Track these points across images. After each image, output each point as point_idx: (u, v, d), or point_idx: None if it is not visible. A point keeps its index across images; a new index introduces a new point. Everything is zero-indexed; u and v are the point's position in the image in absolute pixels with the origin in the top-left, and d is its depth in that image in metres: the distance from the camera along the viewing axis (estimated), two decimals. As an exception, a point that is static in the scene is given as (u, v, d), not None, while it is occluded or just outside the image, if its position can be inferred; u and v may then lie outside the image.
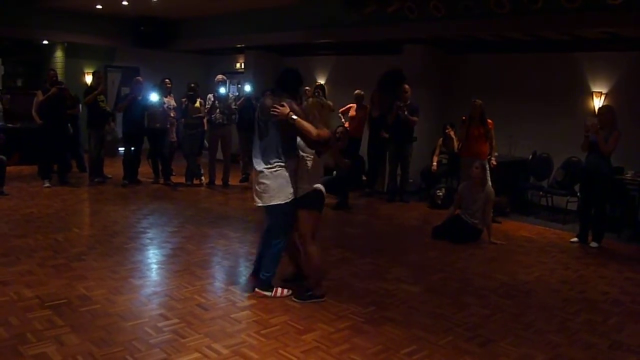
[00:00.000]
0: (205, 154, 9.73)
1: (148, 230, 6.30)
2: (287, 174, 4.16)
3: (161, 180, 9.31)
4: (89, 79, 11.91)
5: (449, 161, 8.72)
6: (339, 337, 3.70)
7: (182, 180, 9.37)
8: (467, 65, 9.70)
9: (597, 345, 3.83)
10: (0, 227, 6.11)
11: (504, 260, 5.87)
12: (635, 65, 7.86)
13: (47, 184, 8.54)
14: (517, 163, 8.52)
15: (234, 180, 9.55)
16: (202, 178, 9.50)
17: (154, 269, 5.05)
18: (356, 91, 9.52)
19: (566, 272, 5.53)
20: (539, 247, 6.44)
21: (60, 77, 10.40)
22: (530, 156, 8.42)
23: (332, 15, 9.22)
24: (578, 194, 7.24)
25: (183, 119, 9.19)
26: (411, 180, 9.02)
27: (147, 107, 8.91)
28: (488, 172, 6.69)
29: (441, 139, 8.84)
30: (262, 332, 3.71)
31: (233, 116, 9.22)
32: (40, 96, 8.70)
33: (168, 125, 9.25)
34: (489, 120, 7.58)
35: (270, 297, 4.30)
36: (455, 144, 8.45)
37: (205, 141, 9.66)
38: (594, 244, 6.53)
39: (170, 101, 9.25)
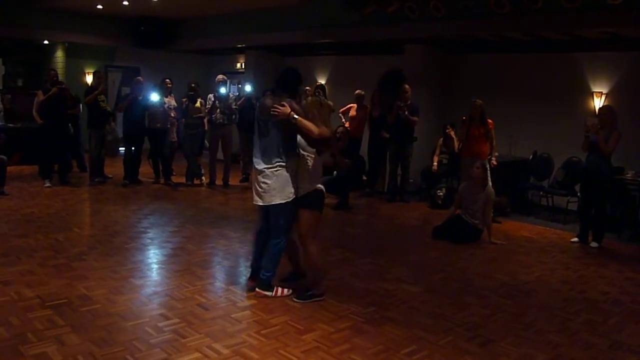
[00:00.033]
0: (206, 154, 9.73)
1: (149, 230, 6.31)
2: (288, 173, 4.17)
3: (162, 180, 9.31)
4: (89, 78, 11.92)
5: (450, 161, 8.72)
6: (339, 337, 3.70)
7: (183, 180, 9.37)
8: (467, 65, 9.70)
9: (598, 345, 3.83)
10: (1, 227, 6.11)
11: (504, 260, 5.87)
12: (636, 66, 7.85)
13: (47, 184, 8.54)
14: (517, 163, 8.52)
15: (234, 180, 9.56)
16: (203, 178, 9.51)
17: (154, 269, 5.05)
18: (356, 91, 9.52)
19: (566, 272, 5.53)
20: (540, 247, 6.44)
21: (60, 77, 10.41)
22: (531, 156, 8.42)
23: (332, 15, 9.22)
24: (578, 194, 7.24)
25: (183, 119, 9.20)
26: (411, 180, 9.02)
27: (148, 107, 8.91)
28: (488, 172, 6.70)
29: (441, 139, 8.84)
30: (263, 332, 3.72)
31: (233, 116, 9.22)
32: (40, 96, 8.70)
33: (168, 125, 9.26)
34: (489, 120, 7.59)
35: (271, 297, 4.31)
36: (456, 144, 8.45)
37: (206, 141, 9.66)
38: (594, 244, 6.53)
39: (171, 101, 9.25)
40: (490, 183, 6.61)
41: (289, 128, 4.12)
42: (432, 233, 6.60)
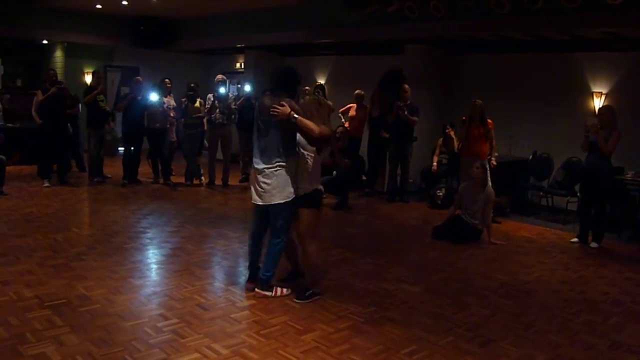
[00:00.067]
0: (205, 154, 9.72)
1: (148, 230, 6.30)
2: (288, 173, 4.16)
3: (161, 180, 9.30)
4: (88, 78, 11.92)
5: (449, 161, 8.72)
6: (339, 337, 3.69)
7: (182, 180, 9.36)
8: (467, 65, 9.70)
9: (598, 345, 3.82)
10: (0, 227, 6.10)
11: (504, 260, 5.87)
12: (636, 66, 7.85)
13: (46, 184, 8.53)
14: (517, 163, 8.52)
15: (233, 180, 9.55)
16: (202, 178, 9.49)
17: (153, 269, 5.04)
18: (356, 91, 9.51)
19: (566, 273, 5.52)
20: (539, 248, 6.44)
21: (59, 77, 10.38)
22: (531, 156, 8.41)
23: (332, 15, 9.21)
24: (578, 194, 7.23)
25: (183, 119, 9.18)
26: (411, 180, 9.02)
27: (147, 107, 8.90)
28: (488, 172, 6.69)
29: (441, 139, 8.84)
30: (262, 332, 3.71)
31: (233, 116, 9.21)
32: (40, 96, 8.69)
33: (168, 125, 9.24)
34: (489, 120, 7.58)
35: (271, 296, 4.30)
36: (456, 144, 8.45)
37: (205, 141, 9.66)
38: (594, 245, 6.52)
39: (170, 101, 9.24)
40: (490, 183, 6.61)
41: (289, 128, 4.11)
42: (432, 233, 6.59)
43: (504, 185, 7.65)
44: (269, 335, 3.67)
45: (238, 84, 13.15)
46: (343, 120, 9.65)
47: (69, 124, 9.22)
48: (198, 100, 9.08)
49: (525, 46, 8.52)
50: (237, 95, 10.56)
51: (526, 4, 6.94)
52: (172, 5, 10.64)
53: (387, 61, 9.53)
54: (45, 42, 12.67)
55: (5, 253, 5.14)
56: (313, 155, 4.22)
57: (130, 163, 9.10)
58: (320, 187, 4.37)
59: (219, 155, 9.33)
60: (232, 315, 3.96)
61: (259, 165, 4.21)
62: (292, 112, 4.04)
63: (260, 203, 4.25)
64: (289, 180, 4.17)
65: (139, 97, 8.84)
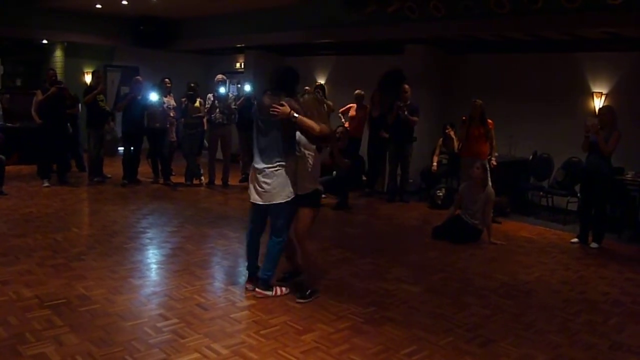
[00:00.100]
0: (205, 154, 9.72)
1: (147, 230, 6.29)
2: (288, 173, 4.16)
3: (161, 180, 9.29)
4: (88, 78, 11.90)
5: (449, 161, 8.71)
6: (339, 338, 3.69)
7: (182, 180, 9.36)
8: (467, 65, 9.69)
9: (598, 345, 3.82)
10: (0, 227, 6.09)
11: (504, 260, 5.86)
12: (636, 66, 7.85)
13: (46, 184, 8.53)
14: (517, 163, 8.51)
15: (233, 180, 9.54)
16: (202, 178, 9.49)
17: (153, 269, 5.04)
18: (356, 91, 9.50)
19: (566, 273, 5.52)
20: (539, 248, 6.43)
21: (59, 77, 10.38)
22: (531, 156, 8.41)
23: (332, 15, 9.21)
24: (578, 195, 7.23)
25: (183, 119, 9.17)
26: (411, 180, 9.01)
27: (147, 107, 8.90)
28: (488, 172, 6.69)
29: (441, 139, 8.83)
30: (262, 332, 3.70)
31: (233, 116, 9.21)
32: (39, 96, 8.69)
33: (168, 125, 9.24)
34: (489, 120, 7.57)
35: (271, 296, 4.29)
36: (456, 144, 8.44)
37: (205, 141, 9.65)
38: (594, 245, 6.52)
39: (170, 101, 9.23)
40: (490, 183, 6.61)
41: (289, 127, 4.11)
42: (432, 233, 6.59)
43: (504, 186, 7.65)
44: (268, 335, 3.66)
45: (238, 83, 13.15)
46: (343, 120, 9.64)
47: (68, 124, 9.21)
48: (198, 100, 9.07)
49: (525, 46, 8.52)
50: (237, 95, 10.56)
51: (526, 4, 6.94)
52: (172, 5, 10.63)
53: (387, 61, 9.52)
54: (45, 42, 12.66)
55: (5, 253, 5.14)
56: (314, 154, 4.22)
57: (130, 163, 9.09)
58: (320, 187, 4.38)
59: (219, 155, 9.33)
60: (232, 315, 3.96)
61: (259, 164, 4.20)
62: (292, 112, 4.03)
63: (261, 203, 4.24)
64: (289, 180, 4.17)
65: (139, 97, 8.83)
